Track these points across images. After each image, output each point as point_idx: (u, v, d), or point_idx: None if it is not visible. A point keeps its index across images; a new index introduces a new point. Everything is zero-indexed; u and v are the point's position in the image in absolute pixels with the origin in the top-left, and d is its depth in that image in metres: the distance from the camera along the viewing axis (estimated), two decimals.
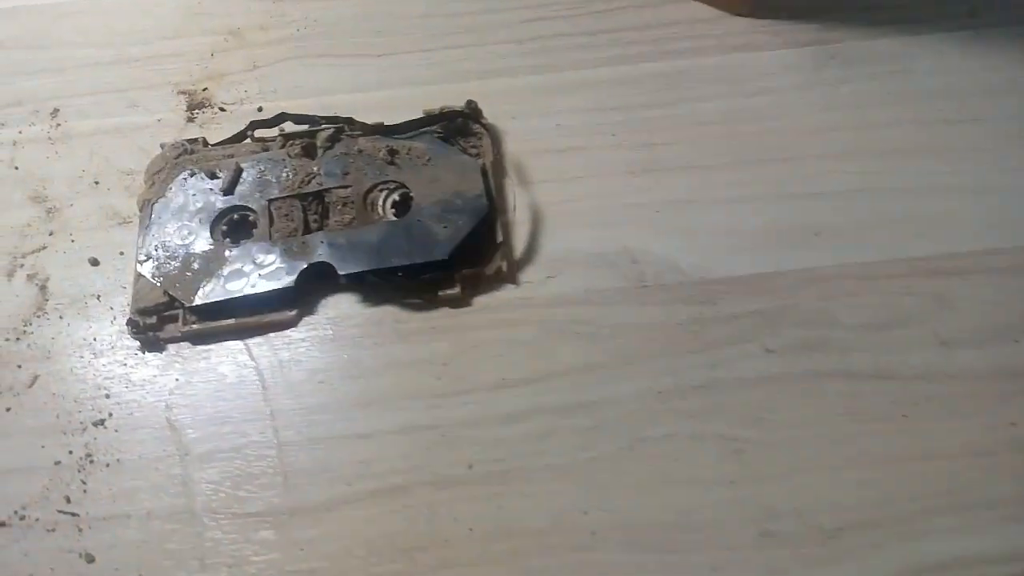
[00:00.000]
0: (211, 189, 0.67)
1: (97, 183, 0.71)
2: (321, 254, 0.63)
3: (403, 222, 0.65)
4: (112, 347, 0.63)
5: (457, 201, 0.65)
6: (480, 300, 0.63)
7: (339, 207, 0.66)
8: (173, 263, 0.64)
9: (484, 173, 0.67)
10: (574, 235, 0.66)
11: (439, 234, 0.63)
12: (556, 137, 0.71)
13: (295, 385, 0.60)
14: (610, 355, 0.60)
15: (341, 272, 0.63)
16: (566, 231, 0.66)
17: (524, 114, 0.73)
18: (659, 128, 0.71)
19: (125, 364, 0.62)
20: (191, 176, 0.68)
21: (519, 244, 0.65)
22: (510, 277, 0.64)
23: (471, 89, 0.73)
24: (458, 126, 0.70)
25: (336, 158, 0.68)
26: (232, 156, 0.69)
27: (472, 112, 0.70)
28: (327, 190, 0.67)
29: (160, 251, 0.64)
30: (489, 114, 0.71)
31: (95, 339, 0.63)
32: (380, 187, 0.67)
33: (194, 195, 0.67)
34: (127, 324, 0.62)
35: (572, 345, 0.61)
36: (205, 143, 0.71)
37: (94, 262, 0.67)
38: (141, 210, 0.68)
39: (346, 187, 0.67)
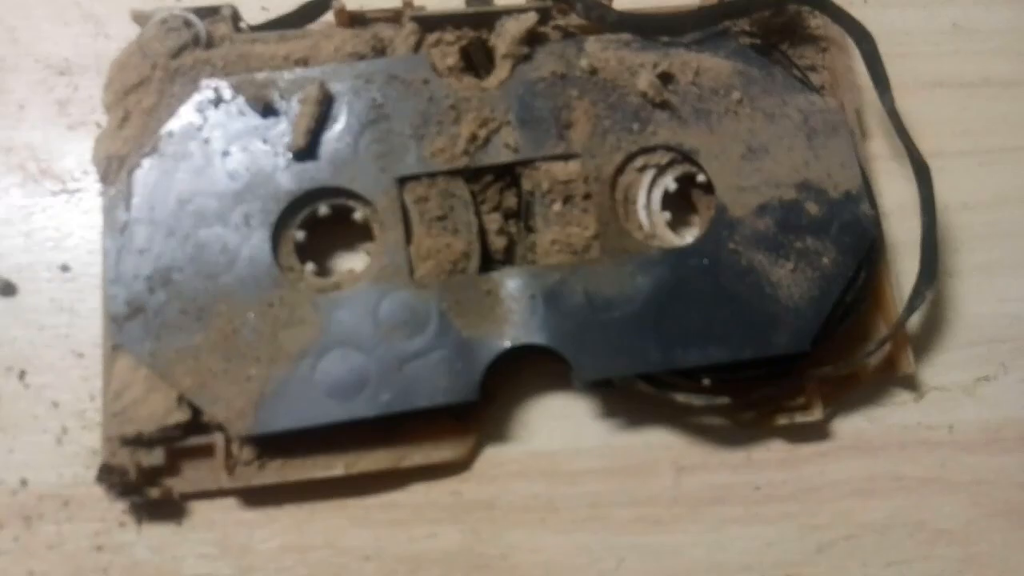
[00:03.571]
0: (264, 140, 0.30)
1: None
2: (531, 327, 0.29)
3: (699, 252, 0.30)
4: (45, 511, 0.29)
5: (810, 205, 0.30)
6: (848, 429, 0.31)
7: (554, 201, 0.30)
8: (189, 328, 0.28)
9: (854, 139, 0.32)
10: (1021, 284, 0.32)
11: (783, 289, 0.29)
12: (957, 53, 0.36)
13: None
14: None
15: (582, 376, 0.29)
16: (1005, 275, 0.33)
17: None
18: None
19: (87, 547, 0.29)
20: (216, 103, 0.30)
21: (918, 305, 0.31)
22: (907, 380, 0.31)
23: None
24: (786, 21, 0.33)
25: (541, 84, 0.31)
26: (304, 61, 0.31)
27: None
28: (526, 161, 0.30)
29: (157, 291, 0.29)
30: None
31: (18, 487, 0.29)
32: (640, 159, 0.31)
33: (227, 153, 0.30)
34: (97, 473, 0.28)
35: None
36: (237, 20, 0.32)
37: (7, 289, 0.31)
38: (105, 180, 0.31)
39: (568, 156, 0.30)
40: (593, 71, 0.32)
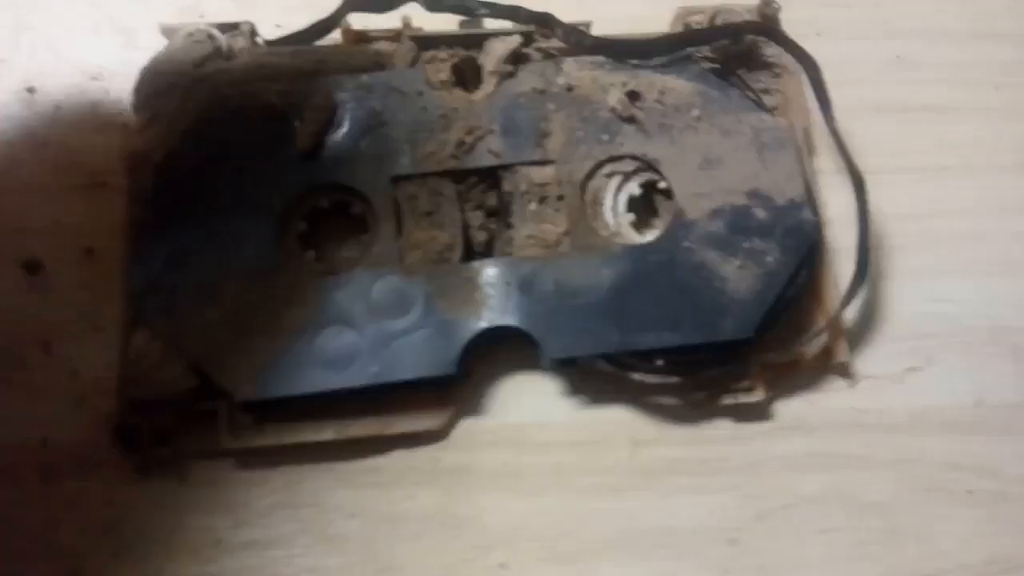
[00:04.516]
0: (276, 141, 0.34)
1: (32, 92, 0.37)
2: (506, 310, 0.32)
3: (658, 249, 0.33)
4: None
5: (758, 211, 0.34)
6: (788, 410, 0.34)
7: (532, 201, 0.34)
8: (201, 305, 0.32)
9: (800, 154, 0.35)
10: (949, 285, 0.36)
11: (731, 283, 0.33)
12: (899, 82, 0.39)
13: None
14: None
15: (550, 356, 0.32)
16: (933, 277, 0.36)
17: (842, 28, 0.40)
18: None
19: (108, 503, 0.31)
20: (237, 110, 0.34)
21: (852, 301, 0.35)
22: (842, 368, 0.34)
23: None
24: (743, 49, 0.37)
25: (523, 98, 0.35)
26: (316, 70, 0.35)
27: (766, 25, 0.37)
28: (507, 166, 0.34)
29: (173, 271, 0.32)
30: (787, 26, 0.38)
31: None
32: (608, 167, 0.35)
33: (242, 152, 0.34)
34: (113, 431, 0.31)
35: (960, 519, 0.33)
36: (254, 35, 0.36)
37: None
38: (130, 174, 0.34)
39: (544, 162, 0.34)
40: (569, 88, 0.35)
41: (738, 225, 0.34)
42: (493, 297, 0.32)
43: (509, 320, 0.32)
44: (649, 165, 0.35)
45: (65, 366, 0.34)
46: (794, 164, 0.35)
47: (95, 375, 0.33)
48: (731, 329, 0.32)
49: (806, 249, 0.34)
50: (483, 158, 0.34)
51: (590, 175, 0.35)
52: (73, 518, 0.32)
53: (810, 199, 0.35)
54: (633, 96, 0.35)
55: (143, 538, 0.31)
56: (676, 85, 0.36)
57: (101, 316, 0.34)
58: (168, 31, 0.36)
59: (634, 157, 0.35)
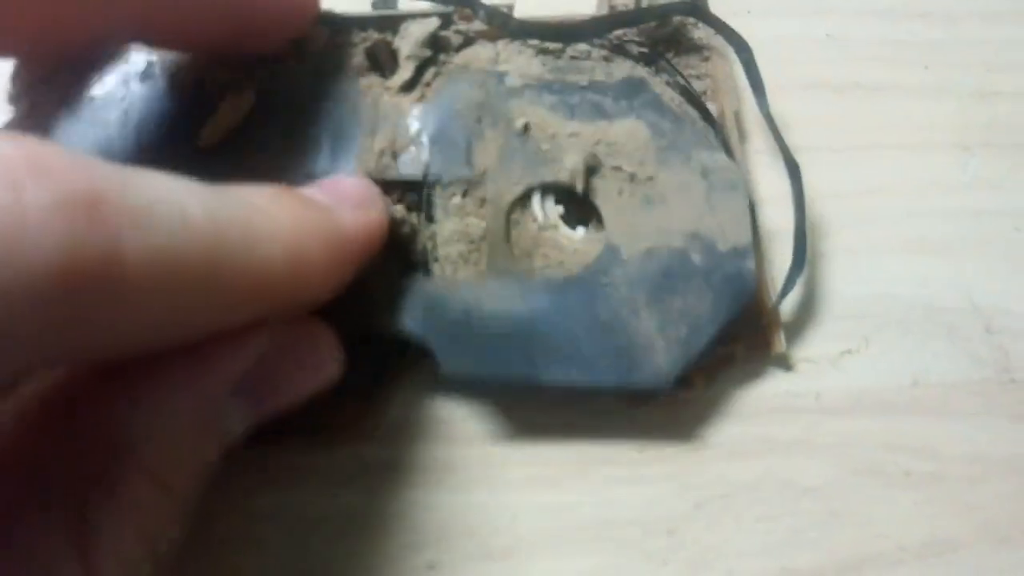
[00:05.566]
0: (181, 127, 0.32)
1: None
2: (411, 319, 0.31)
3: (581, 284, 0.32)
4: None
5: (695, 255, 0.32)
6: (725, 400, 0.33)
7: (455, 195, 0.33)
8: None
9: (731, 153, 0.35)
10: (883, 265, 0.36)
11: (656, 328, 0.31)
12: (829, 60, 0.39)
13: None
14: (971, 525, 0.32)
15: (445, 369, 0.31)
16: (867, 257, 0.36)
17: (771, 6, 0.40)
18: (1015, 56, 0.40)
19: None
20: (143, 77, 0.32)
21: (782, 282, 0.34)
22: (781, 359, 0.34)
23: None
24: (670, 32, 0.36)
25: (459, 112, 0.33)
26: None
27: (695, 5, 0.36)
28: (429, 185, 0.33)
29: None
30: (715, 6, 0.37)
31: None
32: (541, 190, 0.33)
33: (142, 131, 0.32)
34: None
35: (898, 501, 0.32)
36: None
37: None
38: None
39: (471, 182, 0.33)
40: (526, 128, 0.33)
41: (672, 269, 0.31)
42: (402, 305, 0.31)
43: (416, 332, 0.30)
44: (584, 197, 0.33)
45: None
46: (742, 209, 0.32)
47: None
48: (649, 376, 0.30)
49: (742, 303, 0.31)
50: (408, 167, 0.32)
51: (520, 198, 0.33)
52: None
53: (756, 248, 0.33)
54: (591, 170, 0.33)
55: None
56: (633, 132, 0.33)
57: None
58: None
59: (571, 190, 0.33)
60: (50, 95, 0.32)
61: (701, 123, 0.34)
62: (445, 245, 0.32)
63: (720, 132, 0.35)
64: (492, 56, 0.34)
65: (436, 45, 0.34)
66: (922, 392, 0.34)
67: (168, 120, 0.32)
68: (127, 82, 0.32)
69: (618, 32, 0.36)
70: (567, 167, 0.33)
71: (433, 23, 0.34)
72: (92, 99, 0.32)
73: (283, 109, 0.33)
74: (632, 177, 0.33)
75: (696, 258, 0.32)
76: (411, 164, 0.33)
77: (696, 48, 0.37)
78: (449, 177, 0.32)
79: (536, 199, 0.33)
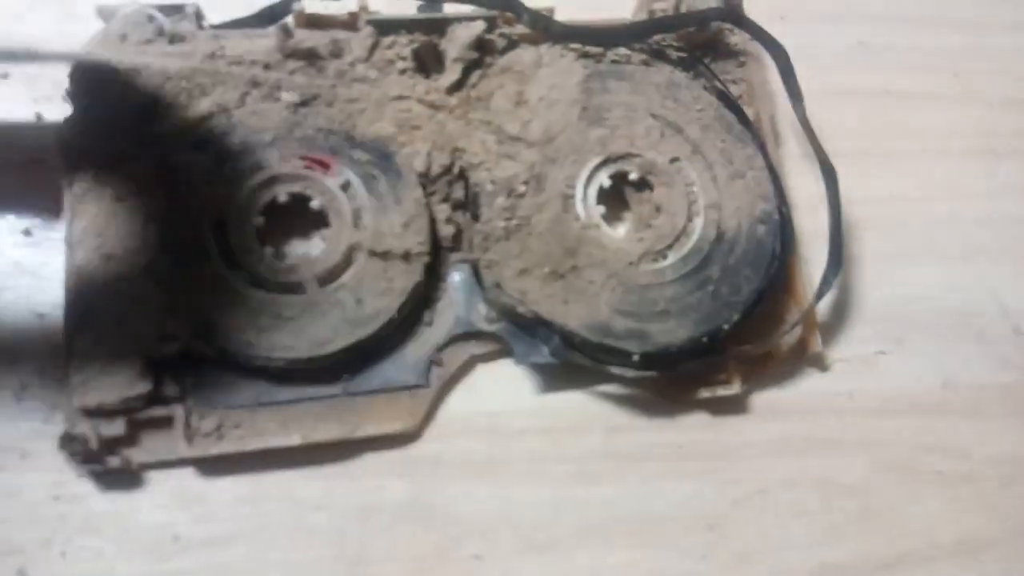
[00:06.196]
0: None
1: None
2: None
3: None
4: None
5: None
6: (764, 399, 0.34)
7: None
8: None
9: (767, 157, 0.35)
10: (915, 269, 0.36)
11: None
12: (861, 67, 0.40)
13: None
14: (1002, 524, 0.33)
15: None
16: (900, 261, 0.36)
17: (805, 13, 0.40)
18: None
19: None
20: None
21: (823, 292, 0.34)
22: (817, 359, 0.34)
23: None
24: (708, 36, 0.37)
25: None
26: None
27: (732, 11, 0.37)
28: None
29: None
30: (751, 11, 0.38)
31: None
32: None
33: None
34: (60, 442, 0.29)
35: (930, 500, 0.33)
36: (200, 18, 0.34)
37: None
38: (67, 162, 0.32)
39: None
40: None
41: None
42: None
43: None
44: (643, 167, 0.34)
45: (3, 354, 0.31)
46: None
47: (37, 365, 0.31)
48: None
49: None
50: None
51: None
52: (18, 514, 0.30)
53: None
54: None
55: (93, 534, 0.30)
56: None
57: (41, 302, 0.31)
58: (105, 12, 0.33)
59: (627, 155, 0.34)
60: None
61: (738, 126, 0.35)
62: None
63: (757, 135, 0.36)
64: (535, 59, 0.35)
65: (482, 48, 0.35)
66: (953, 393, 0.34)
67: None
68: None
69: (657, 37, 0.36)
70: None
71: (479, 26, 0.34)
72: None
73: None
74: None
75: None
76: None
77: (733, 53, 0.37)
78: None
79: (578, 197, 0.34)
